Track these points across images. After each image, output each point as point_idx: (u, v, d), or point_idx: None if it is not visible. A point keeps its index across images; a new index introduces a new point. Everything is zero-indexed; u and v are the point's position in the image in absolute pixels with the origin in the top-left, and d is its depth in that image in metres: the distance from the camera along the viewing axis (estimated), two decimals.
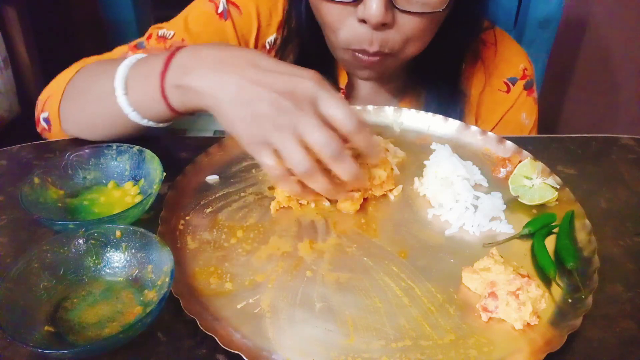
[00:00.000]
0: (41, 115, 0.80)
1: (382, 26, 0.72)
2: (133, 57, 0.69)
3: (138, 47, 0.87)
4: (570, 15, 1.82)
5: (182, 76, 0.61)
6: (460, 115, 0.90)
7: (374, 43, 0.74)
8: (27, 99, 1.61)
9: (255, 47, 0.91)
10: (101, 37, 2.11)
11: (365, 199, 0.67)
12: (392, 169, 0.68)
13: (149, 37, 0.87)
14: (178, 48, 0.64)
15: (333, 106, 0.56)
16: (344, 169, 0.58)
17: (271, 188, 0.69)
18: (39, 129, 0.82)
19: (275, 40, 0.91)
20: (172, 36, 0.86)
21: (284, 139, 0.56)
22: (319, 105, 0.56)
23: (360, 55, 0.76)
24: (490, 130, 0.94)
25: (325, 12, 0.75)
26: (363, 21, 0.72)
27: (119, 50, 0.88)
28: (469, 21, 0.83)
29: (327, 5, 0.73)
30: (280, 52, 0.90)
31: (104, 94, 0.69)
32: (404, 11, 0.71)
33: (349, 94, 0.93)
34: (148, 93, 0.65)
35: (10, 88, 1.54)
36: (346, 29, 0.74)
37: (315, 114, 0.56)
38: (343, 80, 0.91)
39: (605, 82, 1.89)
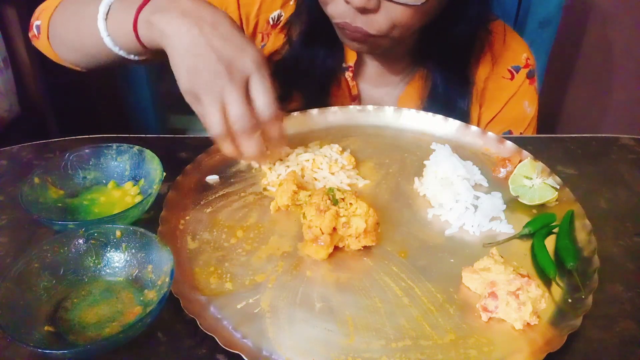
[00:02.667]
0: (35, 22, 0.84)
1: (366, 10, 0.73)
2: None
3: None
4: (570, 15, 1.82)
5: (153, 13, 0.65)
6: (466, 101, 0.91)
7: (356, 20, 0.76)
8: (27, 99, 1.61)
9: (256, 21, 0.92)
10: None
11: (338, 248, 0.61)
12: (376, 222, 0.60)
13: None
14: None
15: (260, 90, 0.62)
16: (248, 146, 0.64)
17: (266, 189, 0.69)
18: (30, 34, 0.86)
19: (279, 16, 0.92)
20: None
21: (210, 100, 0.61)
22: (250, 83, 0.62)
23: (344, 28, 0.78)
24: (494, 117, 0.95)
25: None
26: (348, 2, 0.73)
27: None
28: (474, 11, 0.84)
29: None
30: (288, 26, 0.91)
31: (88, 17, 0.72)
32: None
33: (357, 72, 0.94)
34: (123, 22, 0.68)
35: (10, 88, 1.53)
36: (333, 5, 0.77)
37: (241, 88, 0.61)
38: (351, 58, 0.91)
39: (605, 82, 1.89)
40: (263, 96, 0.62)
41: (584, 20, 1.82)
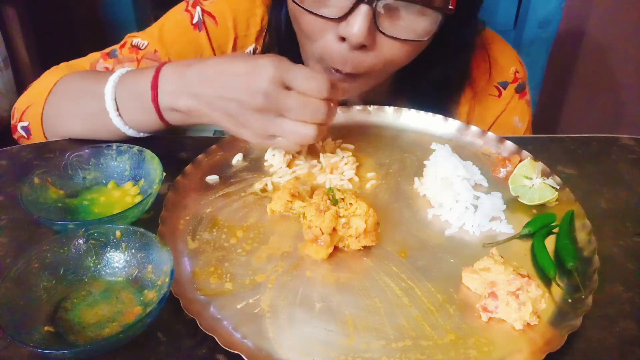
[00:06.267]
0: (19, 124, 0.81)
1: (361, 47, 0.70)
2: (116, 75, 0.70)
3: (110, 56, 0.86)
4: (570, 15, 1.82)
5: (174, 101, 0.67)
6: None
7: (347, 64, 0.72)
8: None
9: None
10: (101, 38, 2.11)
11: (338, 248, 0.61)
12: (376, 222, 0.60)
13: (123, 45, 0.87)
14: (160, 67, 0.67)
15: (302, 82, 0.62)
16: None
17: (263, 190, 0.69)
18: (15, 136, 0.83)
19: (255, 50, 0.90)
20: (146, 46, 0.86)
21: (278, 126, 0.63)
22: (291, 86, 0.62)
23: (333, 72, 0.75)
24: None
25: (305, 23, 0.73)
26: (342, 39, 0.70)
27: (91, 57, 0.87)
28: (459, 42, 0.82)
29: (308, 16, 0.71)
30: None
31: (95, 113, 0.72)
32: (387, 35, 0.69)
33: None
34: (146, 115, 0.69)
35: (10, 88, 1.54)
36: (323, 42, 0.72)
37: (290, 95, 0.62)
38: None
39: (605, 82, 1.89)
40: (309, 83, 0.63)
41: (583, 20, 1.82)
